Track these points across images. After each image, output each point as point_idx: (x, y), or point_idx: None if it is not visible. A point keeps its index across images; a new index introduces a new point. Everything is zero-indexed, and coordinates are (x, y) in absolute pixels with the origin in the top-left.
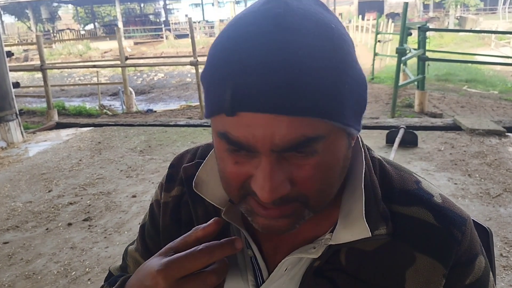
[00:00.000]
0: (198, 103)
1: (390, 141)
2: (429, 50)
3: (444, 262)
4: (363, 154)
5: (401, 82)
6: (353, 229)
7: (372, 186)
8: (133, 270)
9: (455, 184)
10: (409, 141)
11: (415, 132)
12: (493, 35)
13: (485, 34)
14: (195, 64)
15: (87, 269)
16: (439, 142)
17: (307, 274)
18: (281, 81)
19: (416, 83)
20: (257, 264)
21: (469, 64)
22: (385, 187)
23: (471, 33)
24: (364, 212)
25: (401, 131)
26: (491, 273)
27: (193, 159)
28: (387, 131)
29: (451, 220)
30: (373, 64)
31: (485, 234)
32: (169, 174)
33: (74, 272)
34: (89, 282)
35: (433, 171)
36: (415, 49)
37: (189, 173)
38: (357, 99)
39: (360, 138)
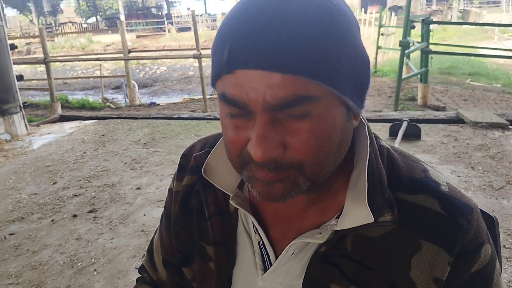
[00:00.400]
0: (201, 96)
1: (393, 134)
2: (432, 43)
3: (450, 250)
4: (369, 141)
5: (404, 75)
6: (357, 214)
7: (378, 173)
8: (158, 263)
9: (458, 176)
10: (412, 134)
11: (418, 125)
12: (496, 28)
13: (489, 27)
14: (198, 57)
15: (92, 260)
16: (442, 135)
17: (313, 259)
18: (274, 40)
19: (419, 76)
20: (265, 249)
21: (472, 58)
22: (392, 175)
23: (474, 26)
24: (367, 198)
25: (404, 124)
26: (497, 261)
27: (204, 148)
28: (390, 124)
29: (457, 208)
30: (376, 58)
31: (491, 223)
32: (180, 164)
33: (80, 263)
34: (95, 273)
35: (436, 164)
36: (418, 42)
37: (199, 161)
38: (356, 73)
39: (368, 126)
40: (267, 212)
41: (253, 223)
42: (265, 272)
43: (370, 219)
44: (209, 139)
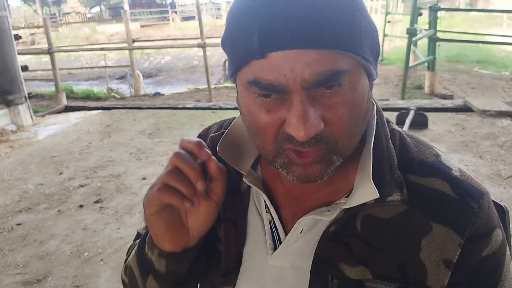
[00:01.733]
0: (206, 86)
1: (400, 122)
2: (440, 31)
3: (460, 232)
4: (376, 120)
5: (411, 63)
6: (362, 190)
7: (388, 153)
8: None
9: (466, 165)
10: (420, 123)
11: (426, 113)
12: (505, 15)
13: (497, 14)
14: (203, 46)
15: (99, 250)
16: (450, 123)
17: (323, 238)
18: (304, 18)
19: (426, 64)
20: (275, 229)
21: (480, 45)
22: (403, 157)
23: (482, 13)
24: (374, 175)
25: (411, 113)
26: (508, 248)
27: (220, 129)
28: (397, 112)
29: (468, 192)
30: (382, 46)
31: (501, 212)
32: None
33: (86, 253)
34: (101, 263)
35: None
36: (425, 30)
37: (215, 142)
38: (372, 40)
39: (377, 106)
40: (278, 193)
41: (265, 202)
42: (274, 251)
43: (375, 195)
44: (225, 121)
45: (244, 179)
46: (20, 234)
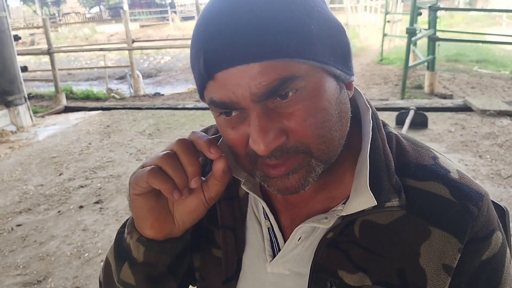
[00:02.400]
0: None
1: (400, 122)
2: (439, 30)
3: (460, 237)
4: (372, 125)
5: (411, 63)
6: (360, 198)
7: (385, 158)
8: None
9: (466, 165)
10: (419, 123)
11: (425, 113)
12: (505, 14)
13: (497, 13)
14: None
15: (99, 251)
16: (450, 123)
17: (320, 245)
18: (241, 34)
19: (426, 64)
20: (274, 235)
21: (480, 44)
22: (401, 161)
23: (482, 12)
24: (371, 182)
25: (411, 113)
26: (508, 250)
27: (217, 132)
28: (396, 112)
29: (467, 195)
30: (382, 45)
31: (501, 213)
32: None
33: (87, 254)
34: (102, 264)
35: (444, 153)
36: (425, 29)
37: None
38: (332, 41)
39: (373, 111)
40: (276, 199)
41: (263, 208)
42: (273, 258)
43: (372, 202)
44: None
45: (242, 186)
46: (20, 235)
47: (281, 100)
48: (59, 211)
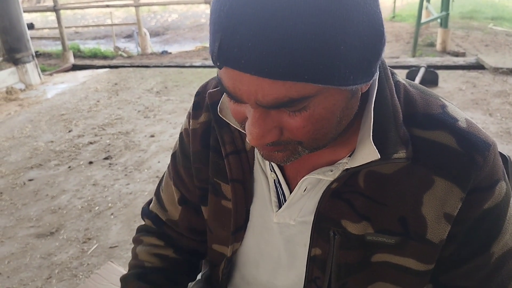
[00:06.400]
0: None
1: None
2: None
3: (463, 186)
4: (379, 75)
5: (423, 19)
6: (364, 151)
7: (393, 109)
8: (168, 203)
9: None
10: (430, 81)
11: (436, 71)
12: None
13: None
14: (210, 2)
15: (109, 205)
16: (461, 81)
17: (324, 196)
18: (264, 43)
19: (439, 20)
20: (280, 187)
21: (496, 1)
22: (408, 111)
23: None
24: (377, 134)
25: (422, 71)
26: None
27: (217, 86)
28: (407, 70)
29: (473, 145)
30: (394, 2)
31: (504, 161)
32: (195, 102)
33: (97, 207)
34: (112, 217)
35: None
36: None
37: (214, 98)
38: (362, 55)
39: (383, 61)
40: None
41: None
42: (279, 208)
43: (376, 155)
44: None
45: (247, 141)
46: (32, 189)
47: (285, 109)
48: (69, 167)
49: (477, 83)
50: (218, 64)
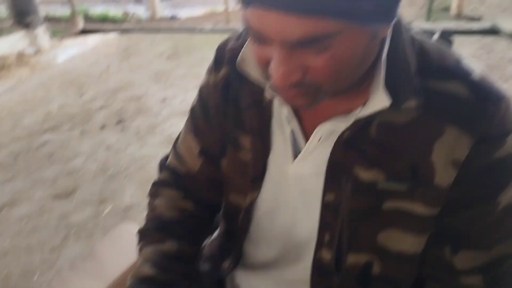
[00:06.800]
0: (224, 9)
1: None
2: None
3: (472, 134)
4: (394, 27)
5: None
6: (375, 99)
7: (406, 59)
8: (187, 156)
9: None
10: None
11: (451, 37)
12: None
13: None
14: None
15: (123, 168)
16: (476, 47)
17: (337, 144)
18: None
19: None
20: (296, 140)
21: None
22: (423, 62)
23: None
24: (384, 80)
25: (436, 36)
26: None
27: (239, 40)
28: None
29: (486, 95)
30: None
31: None
32: (216, 56)
33: (111, 170)
34: (125, 179)
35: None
36: None
37: (234, 53)
38: None
39: (400, 16)
40: None
41: (287, 113)
42: (295, 159)
43: (386, 102)
44: (244, 31)
45: (266, 92)
46: (47, 152)
47: (309, 48)
48: (82, 131)
49: (493, 49)
50: (244, 3)
